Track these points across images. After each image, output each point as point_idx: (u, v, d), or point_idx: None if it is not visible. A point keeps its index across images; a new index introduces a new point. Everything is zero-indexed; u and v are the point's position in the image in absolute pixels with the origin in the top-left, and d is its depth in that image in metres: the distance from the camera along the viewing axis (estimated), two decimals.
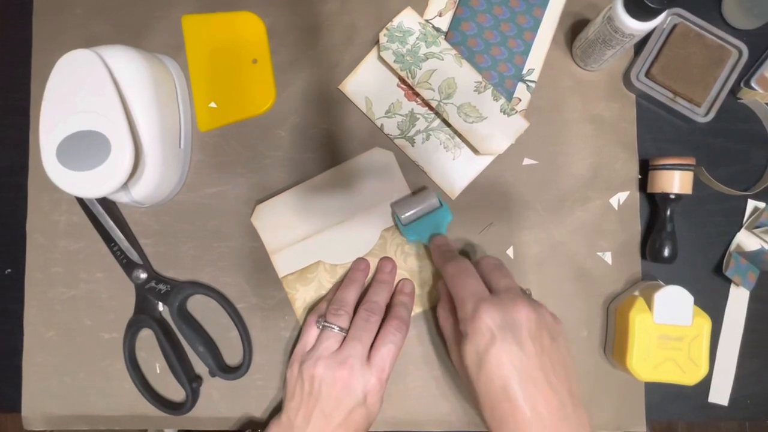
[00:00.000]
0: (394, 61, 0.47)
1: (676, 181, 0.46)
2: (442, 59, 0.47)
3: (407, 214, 0.46)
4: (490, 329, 0.35)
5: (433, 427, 0.48)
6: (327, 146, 0.49)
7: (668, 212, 0.47)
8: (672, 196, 0.46)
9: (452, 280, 0.40)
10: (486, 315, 0.35)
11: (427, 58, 0.47)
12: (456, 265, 0.41)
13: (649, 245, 0.47)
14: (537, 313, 0.36)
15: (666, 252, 0.46)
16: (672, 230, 0.47)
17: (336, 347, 0.42)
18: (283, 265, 0.48)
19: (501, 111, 0.47)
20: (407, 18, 0.48)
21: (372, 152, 0.48)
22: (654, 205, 0.49)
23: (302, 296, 0.48)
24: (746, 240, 0.49)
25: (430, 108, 0.49)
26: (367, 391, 0.41)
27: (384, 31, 0.48)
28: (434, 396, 0.47)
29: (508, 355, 0.34)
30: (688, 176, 0.46)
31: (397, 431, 0.48)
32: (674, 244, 0.46)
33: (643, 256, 0.48)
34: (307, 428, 0.40)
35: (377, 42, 0.48)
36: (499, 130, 0.47)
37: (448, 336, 0.42)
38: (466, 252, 0.49)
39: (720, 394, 0.48)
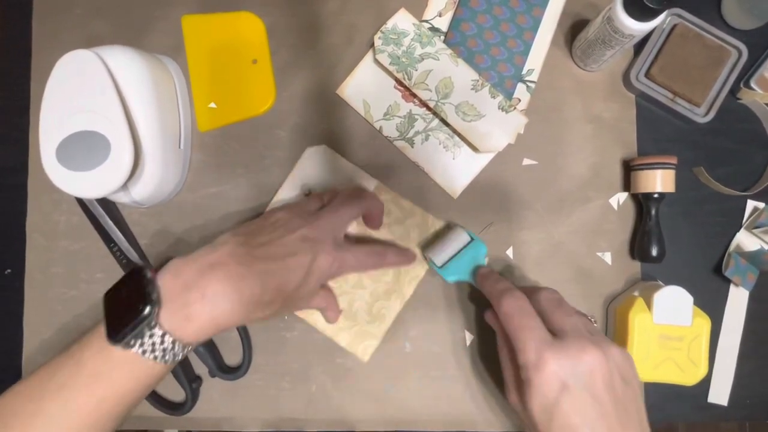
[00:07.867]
0: (390, 64, 0.47)
1: (658, 180, 0.46)
2: (438, 59, 0.47)
3: (440, 257, 0.45)
4: (560, 379, 0.32)
5: (433, 427, 0.48)
6: (327, 146, 0.49)
7: (653, 211, 0.47)
8: (655, 195, 0.46)
9: (510, 321, 0.36)
10: (553, 363, 0.32)
11: (423, 59, 0.47)
12: (513, 303, 0.37)
13: (637, 245, 0.47)
14: (607, 357, 0.33)
15: (654, 251, 0.46)
16: (659, 229, 0.47)
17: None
18: None
19: (499, 108, 0.47)
20: (401, 19, 0.48)
21: (307, 153, 0.48)
22: (640, 205, 0.49)
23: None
24: (746, 240, 0.49)
25: (428, 108, 0.49)
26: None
27: (379, 33, 0.48)
28: (434, 396, 0.47)
29: (582, 409, 0.32)
30: (669, 174, 0.46)
31: (396, 431, 0.48)
32: (662, 243, 0.46)
33: (632, 256, 0.48)
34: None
35: (372, 45, 0.48)
36: (498, 127, 0.47)
37: (507, 377, 0.39)
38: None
39: (719, 394, 0.48)
